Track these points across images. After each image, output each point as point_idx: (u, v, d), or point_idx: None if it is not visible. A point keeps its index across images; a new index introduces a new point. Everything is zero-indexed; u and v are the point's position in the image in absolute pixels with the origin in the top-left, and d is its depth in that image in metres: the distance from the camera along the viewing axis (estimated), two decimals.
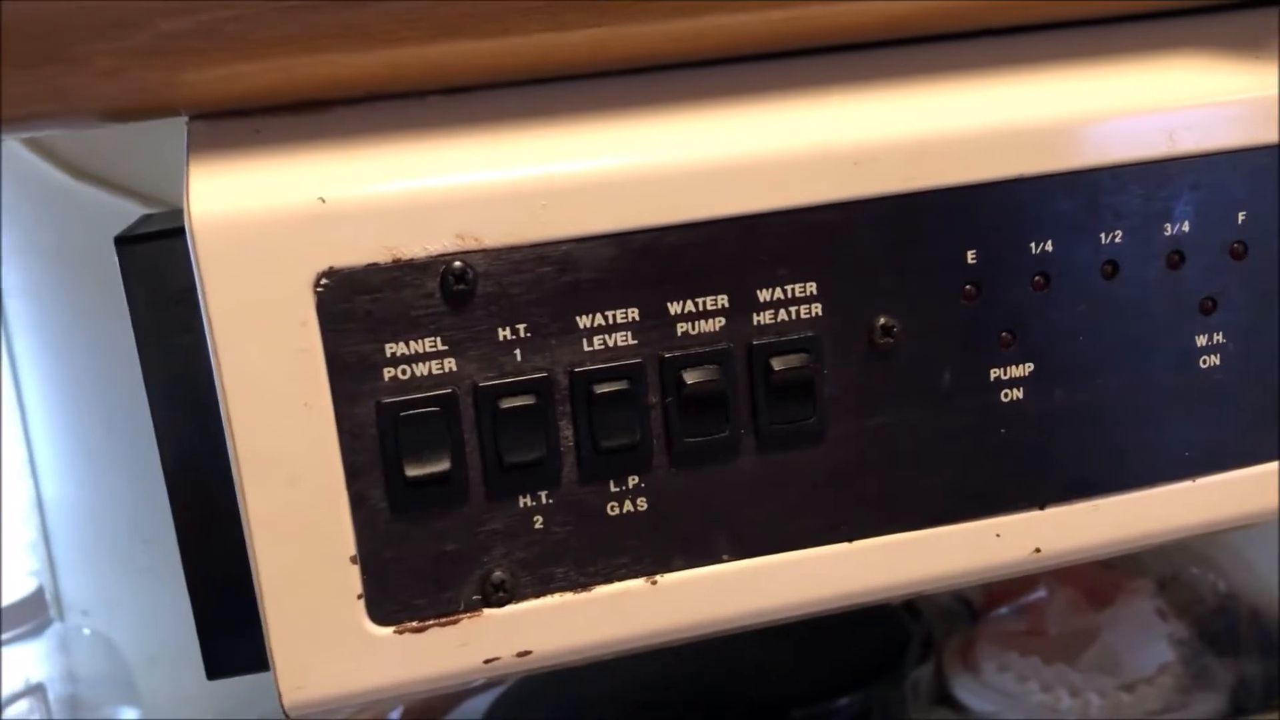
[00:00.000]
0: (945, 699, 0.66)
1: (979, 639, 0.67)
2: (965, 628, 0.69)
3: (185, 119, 0.27)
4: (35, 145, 0.62)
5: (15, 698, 0.58)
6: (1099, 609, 0.68)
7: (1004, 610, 0.69)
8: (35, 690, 0.58)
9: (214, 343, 0.26)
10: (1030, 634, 0.67)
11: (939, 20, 0.28)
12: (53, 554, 0.67)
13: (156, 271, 0.29)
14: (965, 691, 0.65)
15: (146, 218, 0.32)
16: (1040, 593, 0.69)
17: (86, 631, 0.65)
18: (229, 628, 0.30)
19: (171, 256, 0.28)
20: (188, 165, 0.26)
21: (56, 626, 0.63)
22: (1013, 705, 0.63)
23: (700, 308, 0.28)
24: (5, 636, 0.59)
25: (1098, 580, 0.69)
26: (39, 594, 0.61)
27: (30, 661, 0.60)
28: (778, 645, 0.54)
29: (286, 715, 0.28)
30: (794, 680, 0.54)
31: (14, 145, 0.62)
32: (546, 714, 0.55)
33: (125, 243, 0.29)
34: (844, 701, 0.53)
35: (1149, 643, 0.65)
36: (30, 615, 0.60)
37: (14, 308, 0.65)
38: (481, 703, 0.57)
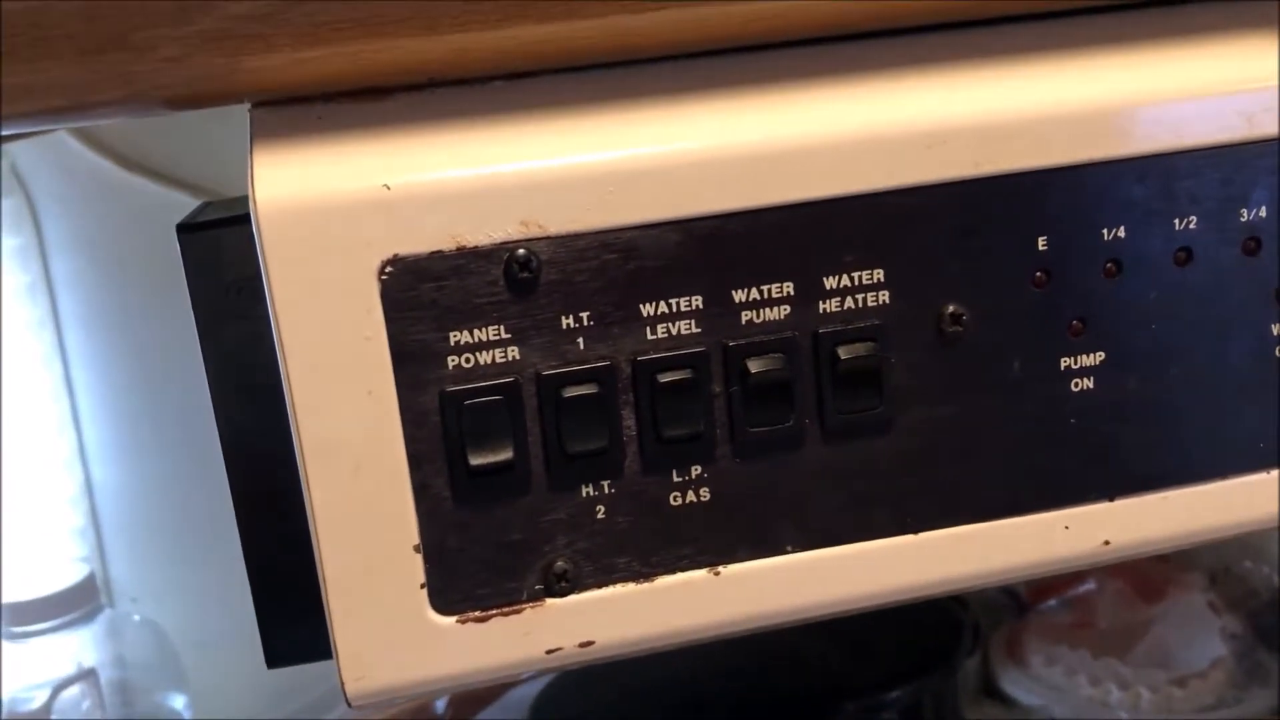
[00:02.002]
0: (992, 692, 0.65)
1: (1027, 632, 0.67)
2: (1012, 620, 0.69)
3: (247, 107, 0.27)
4: (84, 136, 0.63)
5: (68, 682, 0.58)
6: (1149, 602, 0.67)
7: (1052, 603, 0.69)
8: (87, 675, 0.59)
9: (278, 330, 0.25)
10: (1079, 627, 0.67)
11: (1011, 2, 0.28)
12: (102, 541, 0.68)
13: (217, 259, 0.29)
14: (1012, 685, 0.64)
15: (205, 205, 0.32)
16: (1089, 585, 0.68)
17: (136, 618, 0.66)
18: (289, 616, 0.30)
19: (233, 244, 0.28)
20: (252, 152, 0.26)
21: (107, 612, 0.63)
22: (1061, 699, 0.63)
23: (765, 295, 0.27)
24: (57, 622, 0.60)
25: (1148, 573, 0.68)
26: (90, 580, 0.61)
27: (81, 647, 0.61)
28: (829, 637, 0.54)
29: (349, 704, 0.28)
30: (845, 672, 0.54)
31: (62, 136, 0.62)
32: (594, 704, 0.55)
33: (187, 230, 0.29)
34: (895, 694, 0.52)
35: (1201, 637, 0.64)
36: (82, 601, 0.60)
37: (63, 298, 0.65)
38: (528, 691, 0.57)
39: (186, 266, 0.29)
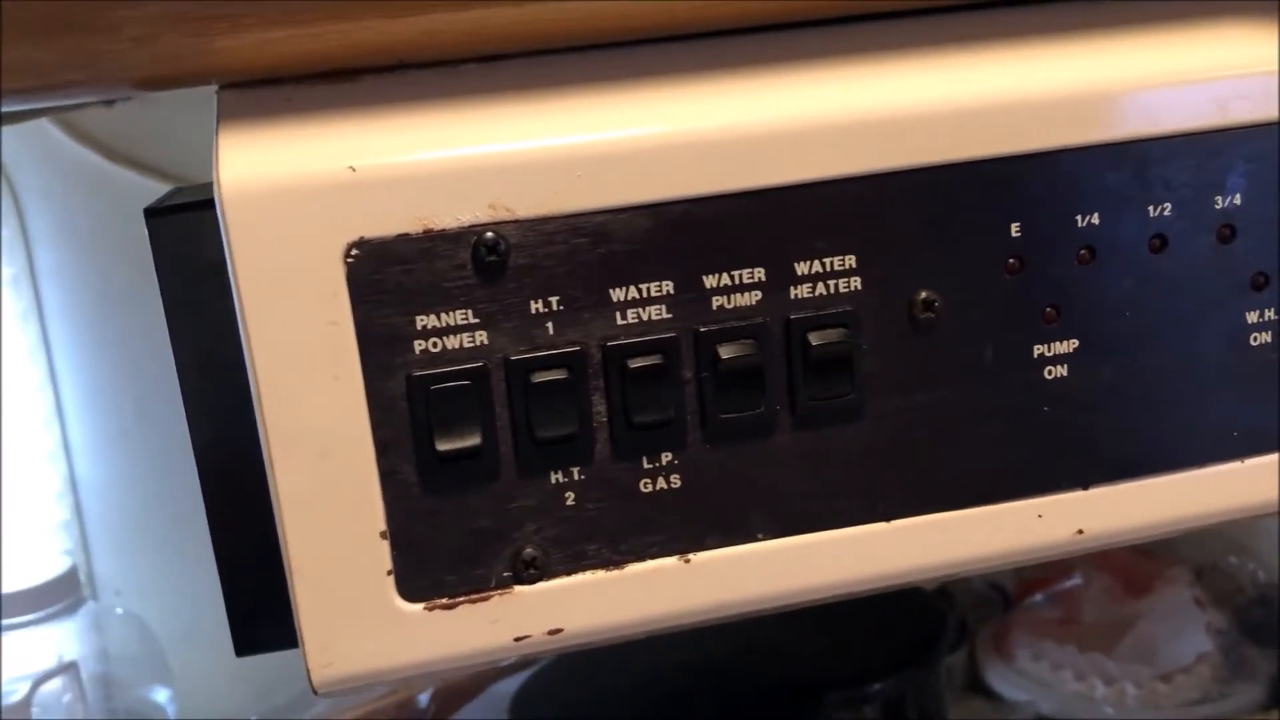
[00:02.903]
0: (978, 687, 0.65)
1: (1013, 626, 0.66)
2: (999, 615, 0.68)
3: (215, 89, 0.27)
4: (68, 126, 0.62)
5: (49, 675, 0.58)
6: (1136, 597, 0.67)
7: (1039, 598, 0.69)
8: (69, 668, 0.58)
9: (243, 314, 0.25)
10: (1065, 622, 0.67)
11: None
12: (86, 534, 0.67)
13: (186, 244, 0.29)
14: (998, 679, 0.64)
15: (176, 190, 0.31)
16: (1076, 580, 0.68)
17: (119, 611, 0.65)
18: (258, 605, 0.30)
19: (201, 228, 0.28)
20: (217, 134, 0.26)
21: (90, 605, 0.63)
22: (1047, 694, 0.63)
23: (736, 281, 0.27)
24: (39, 615, 0.60)
25: (1134, 568, 0.68)
26: (73, 573, 0.61)
27: (63, 640, 0.61)
28: (812, 628, 0.54)
29: (315, 691, 0.28)
30: (828, 664, 0.54)
31: (46, 126, 0.62)
32: (576, 696, 0.54)
33: (154, 214, 0.29)
34: (878, 686, 0.52)
35: (1186, 632, 0.64)
36: (64, 594, 0.60)
37: (47, 289, 0.65)
38: (512, 685, 0.57)
39: (155, 251, 0.29)
